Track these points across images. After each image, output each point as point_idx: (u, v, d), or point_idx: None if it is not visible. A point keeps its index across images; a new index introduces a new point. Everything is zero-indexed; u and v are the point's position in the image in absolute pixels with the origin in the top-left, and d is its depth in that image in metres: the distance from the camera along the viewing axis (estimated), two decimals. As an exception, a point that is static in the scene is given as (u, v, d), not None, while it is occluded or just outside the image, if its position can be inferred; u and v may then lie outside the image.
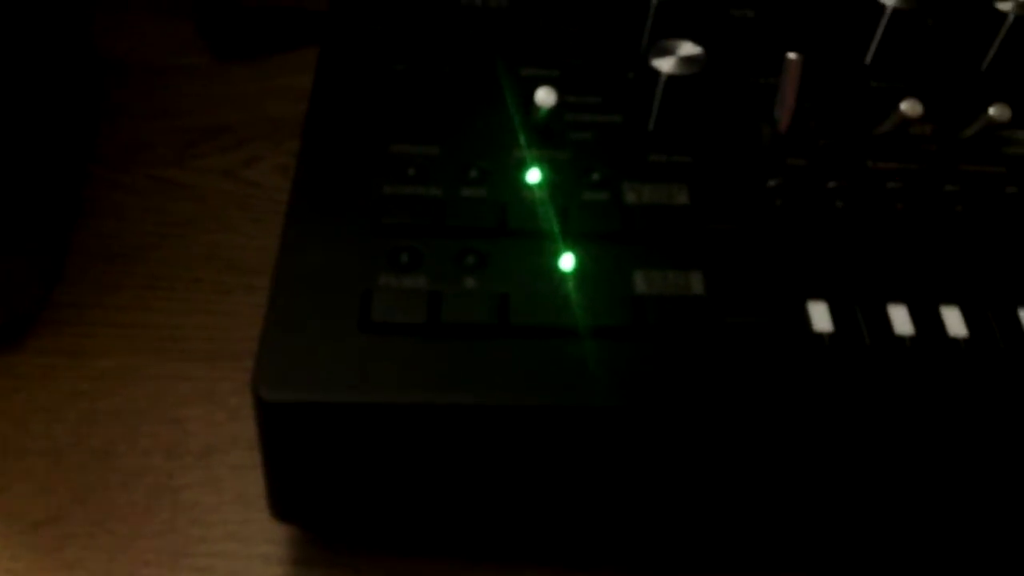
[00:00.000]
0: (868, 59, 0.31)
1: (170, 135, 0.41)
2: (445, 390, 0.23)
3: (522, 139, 0.29)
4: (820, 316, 0.25)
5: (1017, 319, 0.25)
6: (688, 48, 0.28)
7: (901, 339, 0.25)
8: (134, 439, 0.31)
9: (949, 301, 0.25)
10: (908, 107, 0.27)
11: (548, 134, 0.29)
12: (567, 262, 0.26)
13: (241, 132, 0.42)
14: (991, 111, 0.28)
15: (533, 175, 0.28)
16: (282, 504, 0.26)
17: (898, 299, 0.25)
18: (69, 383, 0.33)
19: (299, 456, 0.25)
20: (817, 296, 0.25)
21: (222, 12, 0.44)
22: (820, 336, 0.25)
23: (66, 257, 0.36)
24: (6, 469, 0.30)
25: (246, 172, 0.40)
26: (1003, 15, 0.30)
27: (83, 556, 0.29)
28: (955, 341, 0.25)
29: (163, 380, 0.33)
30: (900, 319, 0.25)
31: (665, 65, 0.28)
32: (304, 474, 0.25)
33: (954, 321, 0.25)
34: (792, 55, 0.28)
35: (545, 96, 0.28)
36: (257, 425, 0.24)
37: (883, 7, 0.30)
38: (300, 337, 0.24)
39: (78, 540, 0.29)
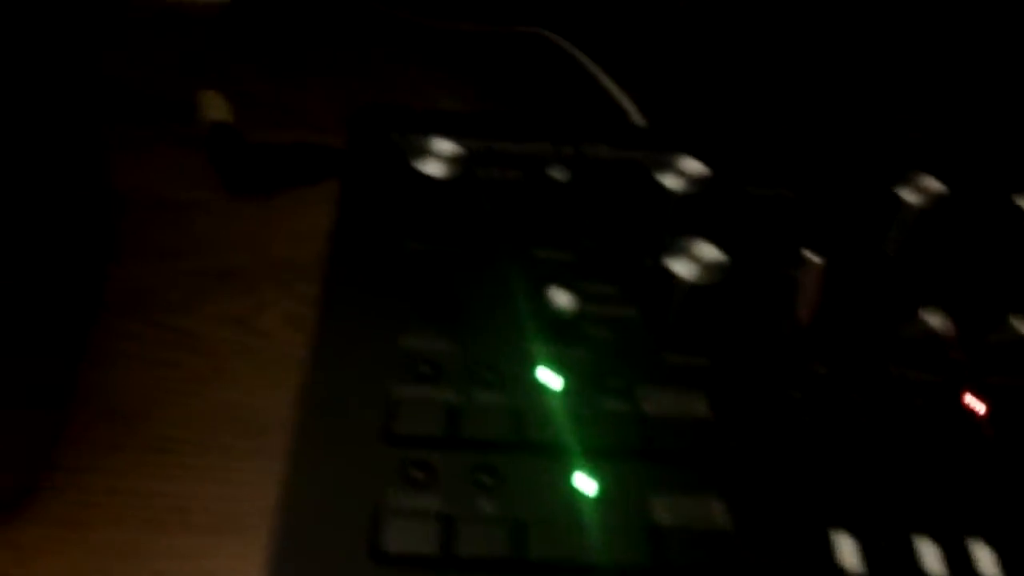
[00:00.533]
0: (892, 252, 0.30)
1: (179, 278, 0.41)
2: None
3: (537, 338, 0.28)
4: (847, 551, 0.24)
5: (1049, 554, 0.24)
6: (708, 252, 0.28)
7: (931, 578, 0.24)
8: (131, 631, 0.30)
9: (977, 534, 0.25)
10: (936, 323, 0.27)
11: (564, 329, 0.28)
12: (587, 484, 0.25)
13: (251, 275, 0.41)
14: (1018, 323, 0.27)
15: (550, 379, 0.27)
16: None
17: (925, 532, 0.25)
18: (67, 560, 0.32)
19: None
20: (842, 526, 0.25)
21: (233, 148, 0.44)
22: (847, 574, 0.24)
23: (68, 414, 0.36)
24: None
25: (256, 320, 0.40)
26: (1028, 215, 0.30)
27: None
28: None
29: (164, 559, 0.32)
30: (929, 555, 0.24)
31: (684, 270, 0.27)
32: None
33: (984, 558, 0.24)
34: (815, 260, 0.28)
35: (564, 301, 0.27)
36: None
37: (907, 204, 0.29)
38: (307, 568, 0.23)
39: None
